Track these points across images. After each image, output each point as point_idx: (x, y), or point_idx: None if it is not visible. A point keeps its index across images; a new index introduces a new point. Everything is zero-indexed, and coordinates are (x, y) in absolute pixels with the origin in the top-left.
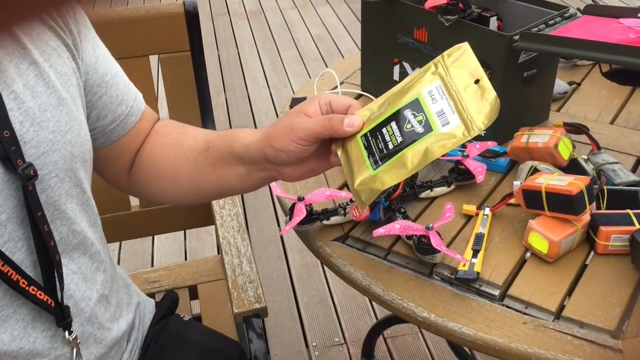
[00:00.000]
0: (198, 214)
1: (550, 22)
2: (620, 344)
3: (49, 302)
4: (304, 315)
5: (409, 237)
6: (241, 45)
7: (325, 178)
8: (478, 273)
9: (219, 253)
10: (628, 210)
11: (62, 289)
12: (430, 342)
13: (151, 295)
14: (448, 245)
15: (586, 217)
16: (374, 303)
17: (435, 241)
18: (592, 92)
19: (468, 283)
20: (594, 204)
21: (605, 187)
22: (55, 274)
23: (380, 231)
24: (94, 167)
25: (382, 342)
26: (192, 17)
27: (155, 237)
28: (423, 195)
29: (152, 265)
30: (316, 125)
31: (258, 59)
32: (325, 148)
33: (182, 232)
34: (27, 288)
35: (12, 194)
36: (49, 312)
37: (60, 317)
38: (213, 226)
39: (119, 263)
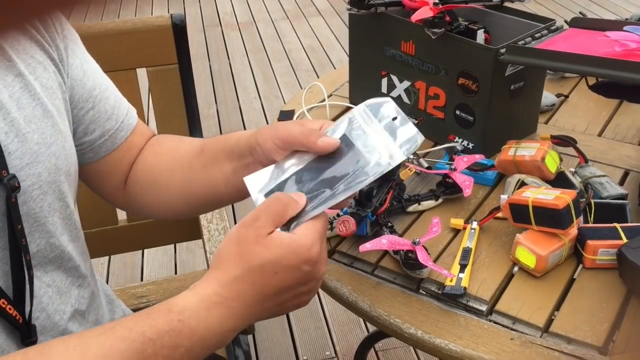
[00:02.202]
0: (185, 228)
1: (537, 35)
2: None
3: (17, 317)
4: (295, 328)
5: (396, 252)
6: (233, 56)
7: None
8: (465, 288)
9: (208, 267)
10: (615, 224)
11: (31, 304)
12: (422, 356)
13: (139, 310)
14: (435, 260)
15: (573, 231)
16: None
17: (421, 256)
18: (580, 105)
19: (455, 298)
20: (581, 217)
21: (592, 201)
22: (27, 290)
23: (367, 246)
24: (89, 184)
25: (373, 355)
26: (179, 30)
27: (145, 250)
28: (411, 209)
29: (142, 279)
30: (296, 131)
31: (249, 70)
32: None
33: (172, 245)
34: None
35: None
36: (15, 328)
37: (27, 334)
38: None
39: (108, 276)
